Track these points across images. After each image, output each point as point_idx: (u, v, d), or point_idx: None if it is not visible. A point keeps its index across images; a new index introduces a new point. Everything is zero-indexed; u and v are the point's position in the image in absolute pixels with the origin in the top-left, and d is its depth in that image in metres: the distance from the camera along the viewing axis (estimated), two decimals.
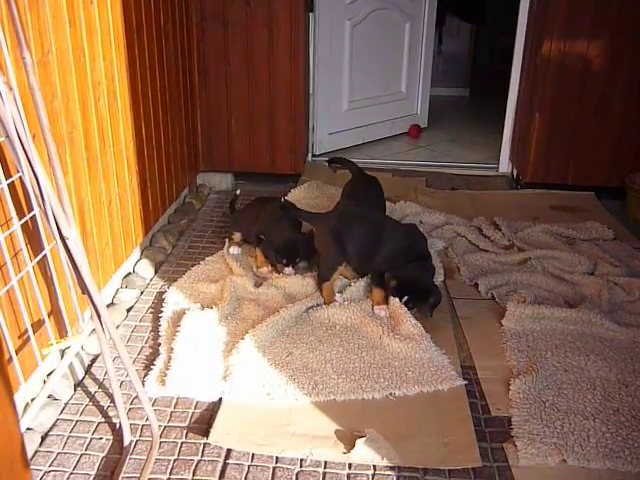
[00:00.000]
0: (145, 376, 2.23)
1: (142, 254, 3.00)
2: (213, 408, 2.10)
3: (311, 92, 4.20)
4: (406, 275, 2.59)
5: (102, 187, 2.46)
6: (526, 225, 3.42)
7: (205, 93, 3.81)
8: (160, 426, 2.02)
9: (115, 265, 2.64)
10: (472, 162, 4.46)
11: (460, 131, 5.27)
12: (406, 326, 2.47)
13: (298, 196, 3.77)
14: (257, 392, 2.14)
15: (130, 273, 2.87)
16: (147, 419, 2.00)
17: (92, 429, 2.01)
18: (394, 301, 2.56)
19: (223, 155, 3.94)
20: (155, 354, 2.35)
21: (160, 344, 2.39)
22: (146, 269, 2.91)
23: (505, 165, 4.28)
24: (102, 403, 2.12)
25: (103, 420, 2.05)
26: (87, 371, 2.27)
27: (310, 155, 4.35)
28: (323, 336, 2.45)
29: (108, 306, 2.61)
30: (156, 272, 2.96)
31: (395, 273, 2.62)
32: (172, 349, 2.31)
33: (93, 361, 2.34)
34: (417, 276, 2.59)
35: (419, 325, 2.47)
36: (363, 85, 4.63)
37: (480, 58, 6.92)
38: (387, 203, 3.64)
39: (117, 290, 2.72)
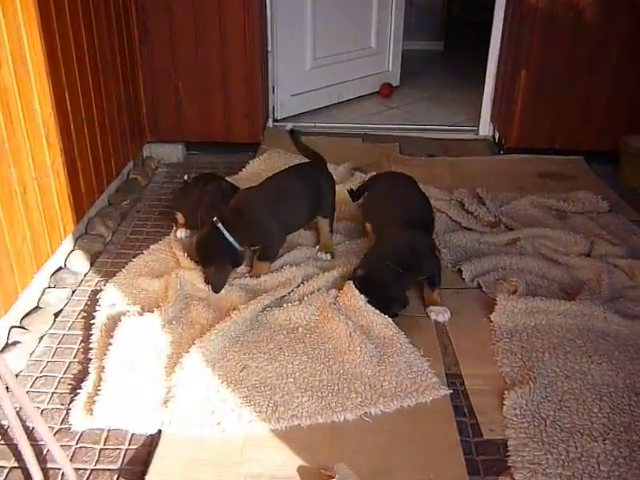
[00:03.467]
0: (70, 402, 1.86)
1: (75, 244, 2.59)
2: (151, 443, 1.74)
3: (269, 49, 3.74)
4: (372, 270, 2.24)
5: (12, 173, 2.04)
6: (512, 197, 3.07)
7: (146, 51, 3.34)
8: (85, 471, 1.66)
9: (37, 263, 2.23)
10: (450, 124, 4.07)
11: (435, 89, 4.86)
12: (377, 325, 2.12)
13: (257, 168, 3.37)
14: (204, 421, 1.78)
15: (61, 268, 2.46)
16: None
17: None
18: (355, 292, 2.21)
19: (171, 123, 3.49)
20: (84, 373, 1.97)
21: (90, 360, 2.01)
22: (79, 263, 2.51)
23: (486, 128, 3.90)
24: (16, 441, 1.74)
25: (16, 465, 1.68)
26: None
27: (271, 120, 3.92)
28: (284, 342, 2.09)
29: (32, 311, 2.21)
30: (92, 265, 2.55)
31: (364, 263, 2.28)
32: (103, 367, 1.93)
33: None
34: (383, 276, 2.22)
35: (390, 323, 2.12)
36: (328, 40, 4.18)
37: (454, 8, 6.45)
38: (357, 173, 3.29)
39: (44, 291, 2.32)
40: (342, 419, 1.80)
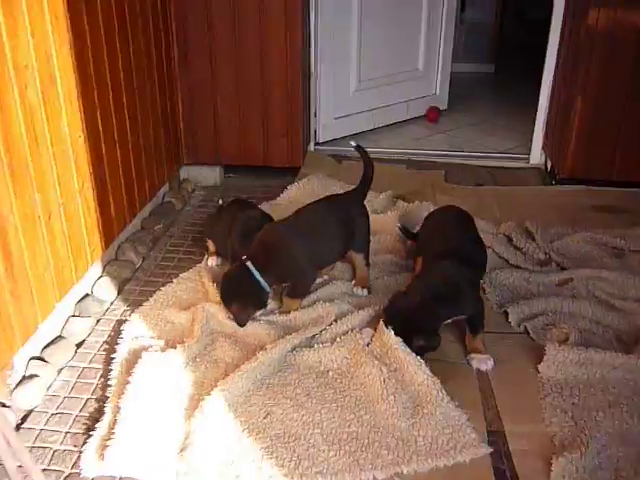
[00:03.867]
0: (83, 444, 1.75)
1: (104, 270, 2.51)
2: None
3: (312, 70, 3.63)
4: (398, 298, 2.11)
5: (36, 199, 1.96)
6: (564, 232, 2.86)
7: (185, 69, 3.26)
8: None
9: (60, 292, 2.14)
10: (499, 151, 3.88)
11: (485, 114, 4.67)
12: (412, 369, 1.96)
13: (296, 193, 3.25)
14: (223, 473, 1.65)
15: (87, 295, 2.38)
16: None
17: None
18: (390, 332, 2.05)
19: (209, 145, 3.41)
20: (100, 412, 1.86)
21: (107, 398, 1.90)
22: (106, 290, 2.42)
23: (537, 156, 3.71)
24: None
25: None
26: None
27: (312, 144, 3.80)
28: (312, 387, 1.95)
29: (55, 340, 2.13)
30: (119, 293, 2.46)
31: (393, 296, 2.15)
32: (119, 408, 1.82)
33: (24, 419, 1.86)
34: (408, 304, 2.06)
35: (425, 369, 1.95)
36: (374, 62, 4.05)
37: (507, 28, 6.25)
38: (400, 202, 3.14)
39: (68, 319, 2.23)
40: (371, 478, 1.65)
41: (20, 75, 1.84)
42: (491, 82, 5.73)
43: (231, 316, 2.18)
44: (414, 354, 1.97)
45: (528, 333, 2.22)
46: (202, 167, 3.45)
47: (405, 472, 1.67)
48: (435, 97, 4.56)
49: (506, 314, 2.30)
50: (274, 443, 1.74)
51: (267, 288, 2.17)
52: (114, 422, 1.78)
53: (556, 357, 2.01)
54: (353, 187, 2.51)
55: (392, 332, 2.03)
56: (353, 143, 2.51)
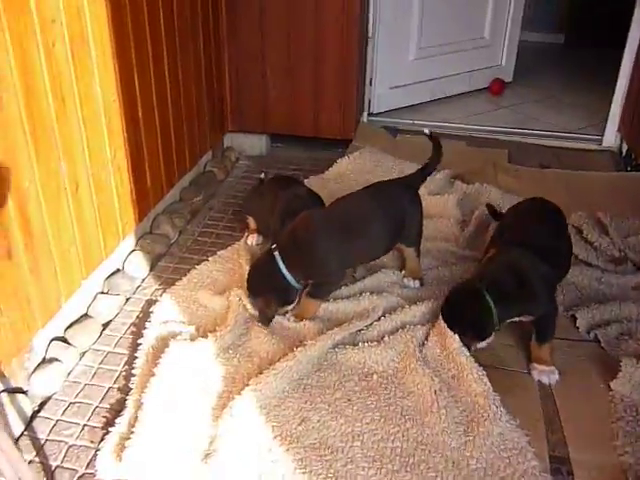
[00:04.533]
0: (101, 441, 1.60)
1: (137, 244, 2.35)
2: None
3: (370, 35, 3.36)
4: (455, 290, 1.90)
5: (62, 167, 1.79)
6: None
7: (233, 29, 3.04)
8: None
9: (86, 269, 1.99)
10: (568, 131, 3.56)
11: (552, 89, 4.32)
12: (467, 380, 1.75)
13: (345, 168, 3.03)
14: None
15: (118, 270, 2.22)
16: None
17: None
18: (450, 334, 1.85)
19: (256, 112, 3.20)
20: (122, 404, 1.71)
21: (130, 389, 1.74)
22: (137, 266, 2.26)
23: (612, 137, 3.38)
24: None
25: None
26: (29, 424, 1.66)
27: (366, 114, 3.55)
28: (354, 392, 1.75)
29: (80, 319, 1.98)
30: (152, 269, 2.30)
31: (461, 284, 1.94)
32: (141, 403, 1.66)
33: (41, 407, 1.72)
34: (464, 297, 1.85)
35: (485, 380, 1.74)
36: (436, 27, 3.74)
37: None
38: (458, 183, 2.89)
39: (95, 296, 2.08)
40: None
41: (47, 31, 1.65)
42: (559, 54, 5.33)
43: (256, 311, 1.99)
44: (477, 363, 1.76)
45: (599, 342, 1.97)
46: (247, 135, 3.25)
47: None
48: (500, 68, 4.24)
49: (574, 318, 2.05)
50: (309, 455, 1.56)
51: (295, 284, 1.96)
52: (135, 419, 1.62)
53: (634, 374, 1.77)
54: (411, 172, 2.24)
55: (456, 335, 1.82)
56: (427, 131, 2.22)
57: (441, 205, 2.66)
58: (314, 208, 2.11)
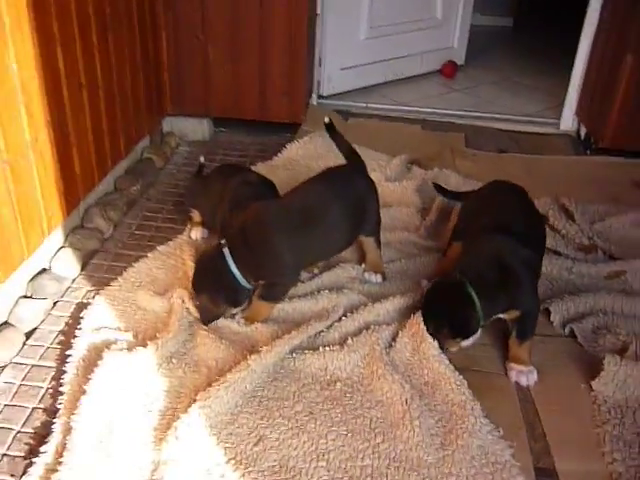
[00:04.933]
0: (22, 474, 1.36)
1: (66, 240, 2.09)
2: None
3: (318, 11, 3.15)
4: (435, 285, 1.72)
5: None
6: (606, 211, 2.47)
7: (171, 8, 2.78)
8: None
9: (5, 269, 1.73)
10: (525, 114, 3.45)
11: (506, 71, 4.21)
12: (442, 387, 1.59)
13: (295, 153, 2.83)
14: None
15: (44, 270, 1.96)
16: None
17: None
18: (426, 336, 1.69)
19: (198, 94, 2.95)
20: (48, 429, 1.46)
21: (58, 410, 1.50)
22: (66, 265, 2.01)
23: (569, 121, 3.28)
24: None
25: None
26: None
27: (315, 97, 3.35)
28: (315, 403, 1.56)
29: None
30: (83, 268, 2.05)
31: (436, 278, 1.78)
32: (70, 427, 1.42)
33: None
34: (452, 294, 1.67)
35: (464, 389, 1.58)
36: (388, 6, 3.56)
37: None
38: (415, 168, 2.72)
39: (17, 301, 1.82)
40: None
41: None
42: (510, 37, 5.22)
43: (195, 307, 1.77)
44: (453, 368, 1.60)
45: (575, 337, 1.84)
46: (188, 119, 3.00)
47: None
48: (452, 50, 4.09)
49: (547, 312, 1.91)
50: None
51: (245, 284, 1.74)
52: (63, 446, 1.39)
53: (617, 373, 1.63)
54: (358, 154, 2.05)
55: (431, 338, 1.65)
56: (327, 119, 2.05)
57: (399, 192, 2.49)
58: (267, 197, 1.90)
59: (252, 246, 1.71)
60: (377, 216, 1.97)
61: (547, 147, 3.15)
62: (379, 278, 1.99)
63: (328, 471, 1.39)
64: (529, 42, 4.93)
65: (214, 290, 1.72)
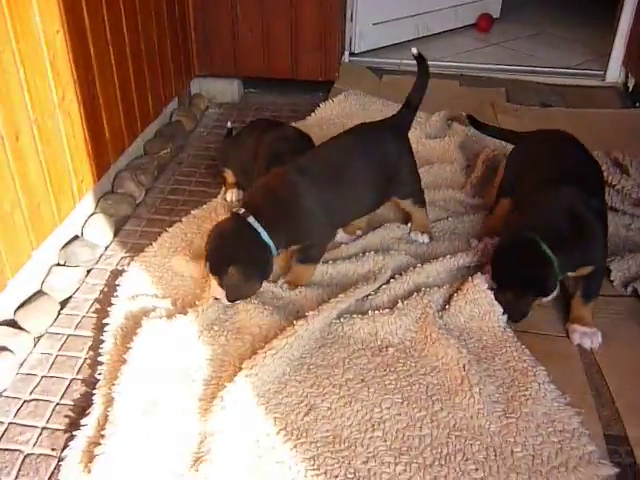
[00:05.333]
0: (64, 448, 1.30)
1: (97, 206, 2.01)
2: None
3: None
4: (506, 244, 1.59)
5: None
6: None
7: None
8: None
9: (37, 236, 1.66)
10: (567, 67, 3.27)
11: (543, 24, 4.01)
12: (502, 351, 1.49)
13: (329, 112, 2.72)
14: None
15: (76, 238, 1.89)
16: None
17: None
18: (484, 289, 1.59)
19: (226, 54, 2.83)
20: (88, 400, 1.40)
21: (98, 381, 1.43)
22: (99, 231, 1.93)
23: (616, 72, 3.10)
24: None
25: None
26: None
27: (347, 54, 3.21)
28: (367, 370, 1.47)
29: (32, 298, 1.65)
30: (116, 235, 1.98)
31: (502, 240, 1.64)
32: (112, 398, 1.35)
33: None
34: (522, 253, 1.54)
35: (526, 352, 1.48)
36: None
37: None
38: (457, 125, 2.59)
39: (50, 269, 1.75)
40: None
41: None
42: None
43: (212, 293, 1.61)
44: (509, 329, 1.50)
45: (638, 297, 1.72)
46: (217, 80, 2.89)
47: None
48: (486, 3, 3.90)
49: (607, 271, 1.79)
50: (320, 452, 1.28)
51: (275, 251, 1.60)
52: (105, 418, 1.32)
53: None
54: (395, 112, 1.92)
55: (490, 294, 1.56)
56: (415, 50, 1.91)
57: (441, 149, 2.38)
58: (304, 152, 1.79)
59: (284, 207, 1.60)
60: (413, 176, 1.85)
61: (593, 100, 2.99)
62: (426, 238, 1.89)
63: (385, 441, 1.30)
64: None
65: (245, 263, 1.56)
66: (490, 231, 1.88)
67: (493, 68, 3.24)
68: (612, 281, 1.77)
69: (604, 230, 1.63)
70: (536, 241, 1.50)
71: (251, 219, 1.56)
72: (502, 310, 1.57)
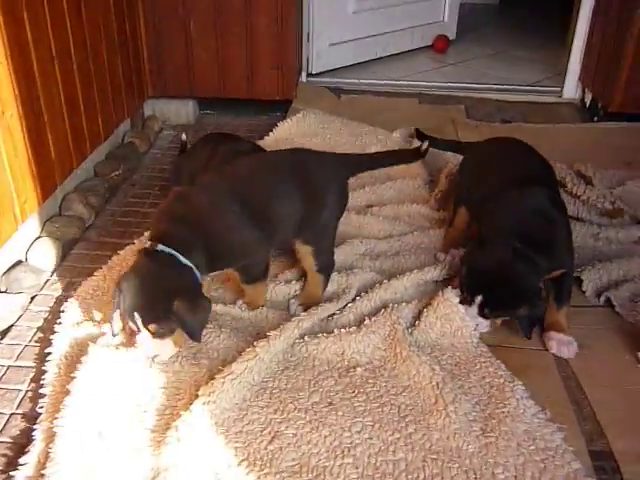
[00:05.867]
0: None
1: (43, 230, 1.89)
2: None
3: None
4: (489, 257, 1.50)
5: None
6: (624, 176, 2.30)
7: None
8: None
9: None
10: (526, 84, 3.28)
11: (498, 45, 4.04)
12: (476, 367, 1.41)
13: (288, 132, 2.65)
14: None
15: (20, 263, 1.76)
16: None
17: None
18: (456, 304, 1.51)
19: (180, 74, 2.75)
20: (28, 437, 1.26)
21: (39, 415, 1.30)
22: (45, 256, 1.81)
23: (573, 88, 3.12)
24: None
25: None
26: None
27: (304, 74, 3.16)
28: (335, 392, 1.37)
29: None
30: (63, 259, 1.85)
31: (470, 250, 1.59)
32: (54, 433, 1.22)
33: None
34: (500, 257, 1.47)
35: (501, 366, 1.41)
36: None
37: None
38: (416, 141, 2.54)
39: None
40: None
41: None
42: (498, 13, 5.07)
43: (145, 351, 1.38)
44: (483, 344, 1.42)
45: (611, 306, 1.67)
46: (171, 101, 2.80)
47: None
48: (442, 25, 3.92)
49: (579, 281, 1.74)
50: None
51: (198, 274, 1.40)
52: (46, 455, 1.19)
53: None
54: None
55: (462, 309, 1.48)
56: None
57: (404, 165, 2.31)
58: None
59: (195, 225, 1.40)
60: (329, 230, 1.63)
61: (552, 116, 2.99)
62: (300, 310, 1.59)
63: (356, 468, 1.20)
64: (517, 17, 4.79)
65: (185, 291, 1.35)
66: (453, 242, 1.84)
67: (452, 86, 3.24)
68: (584, 292, 1.72)
69: (570, 234, 1.58)
70: (513, 246, 1.44)
71: (161, 247, 1.36)
72: (474, 325, 1.49)
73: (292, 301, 1.62)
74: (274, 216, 1.51)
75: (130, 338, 1.41)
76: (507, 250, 1.45)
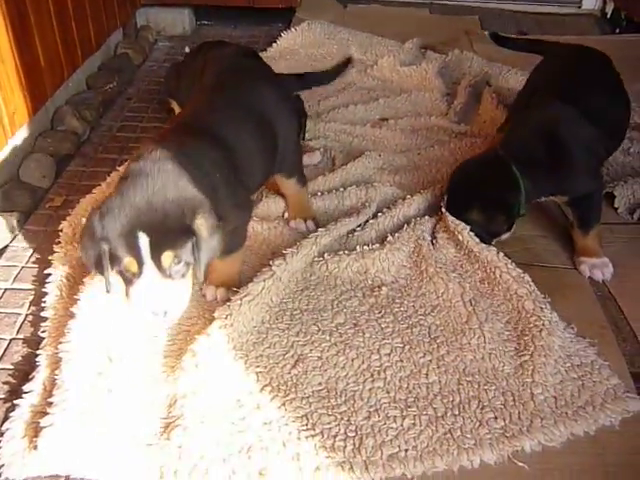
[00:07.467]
0: (4, 421, 1.07)
1: (35, 145, 1.75)
2: None
3: None
4: (469, 163, 1.46)
5: None
6: None
7: None
8: None
9: None
10: None
11: None
12: (502, 282, 1.31)
13: (293, 42, 2.51)
14: (236, 465, 0.99)
15: (11, 180, 1.63)
16: None
17: None
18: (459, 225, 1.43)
19: None
20: (31, 363, 1.17)
21: (42, 340, 1.20)
22: (38, 172, 1.67)
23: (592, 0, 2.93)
24: None
25: None
26: None
27: None
28: (360, 313, 1.28)
29: None
30: (57, 176, 1.72)
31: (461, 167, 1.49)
32: (59, 358, 1.12)
33: None
34: (481, 171, 1.42)
35: (527, 279, 1.31)
36: None
37: None
38: (430, 53, 2.39)
39: None
40: (477, 462, 1.02)
41: None
42: None
43: None
44: (509, 259, 1.33)
45: None
46: (166, 9, 2.61)
47: (528, 449, 1.04)
48: None
49: (610, 198, 1.63)
50: (314, 409, 1.09)
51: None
52: (53, 382, 1.09)
53: None
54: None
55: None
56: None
57: (418, 76, 2.19)
58: (254, 67, 1.55)
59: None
60: (295, 147, 1.50)
61: (570, 27, 2.83)
62: (311, 225, 1.50)
63: (387, 392, 1.12)
64: None
65: None
66: None
67: None
68: (616, 208, 1.62)
69: (588, 158, 1.44)
70: (502, 158, 1.36)
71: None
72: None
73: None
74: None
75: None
76: (487, 159, 1.41)
